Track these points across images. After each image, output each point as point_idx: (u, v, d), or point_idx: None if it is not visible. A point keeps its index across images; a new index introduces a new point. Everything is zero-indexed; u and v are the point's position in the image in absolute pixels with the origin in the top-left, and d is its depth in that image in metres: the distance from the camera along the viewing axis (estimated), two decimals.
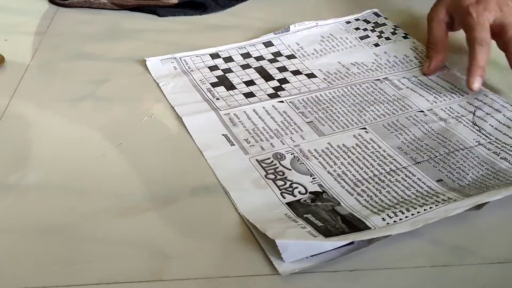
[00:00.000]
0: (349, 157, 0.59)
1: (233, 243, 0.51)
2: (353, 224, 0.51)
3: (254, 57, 0.77)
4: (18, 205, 0.55)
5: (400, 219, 0.51)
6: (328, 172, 0.57)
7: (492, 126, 0.63)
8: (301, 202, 0.54)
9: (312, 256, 0.48)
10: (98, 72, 0.76)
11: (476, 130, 0.62)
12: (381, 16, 0.86)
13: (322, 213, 0.52)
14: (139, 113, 0.68)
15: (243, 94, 0.70)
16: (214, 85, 0.72)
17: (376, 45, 0.80)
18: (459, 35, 0.74)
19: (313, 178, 0.57)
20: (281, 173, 0.57)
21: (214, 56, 0.77)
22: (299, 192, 0.55)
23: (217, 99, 0.69)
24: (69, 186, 0.57)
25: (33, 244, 0.51)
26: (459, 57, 0.74)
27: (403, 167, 0.58)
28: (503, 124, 0.63)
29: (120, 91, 0.72)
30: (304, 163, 0.58)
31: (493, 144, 0.60)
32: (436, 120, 0.64)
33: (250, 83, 0.72)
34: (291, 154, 0.60)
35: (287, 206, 0.53)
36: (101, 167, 0.60)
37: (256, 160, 0.59)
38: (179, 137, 0.64)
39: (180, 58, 0.77)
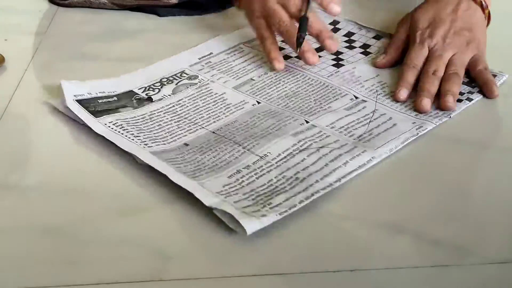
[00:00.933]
0: None
1: (233, 243, 0.51)
2: None
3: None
4: (18, 205, 0.55)
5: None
6: None
7: None
8: None
9: None
10: (98, 72, 0.76)
11: None
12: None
13: None
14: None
15: None
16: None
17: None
18: None
19: None
20: None
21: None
22: None
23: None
24: (69, 186, 0.57)
25: (33, 244, 0.51)
26: None
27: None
28: None
29: None
30: None
31: None
32: None
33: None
34: None
35: None
36: (101, 167, 0.60)
37: None
38: None
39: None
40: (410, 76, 0.72)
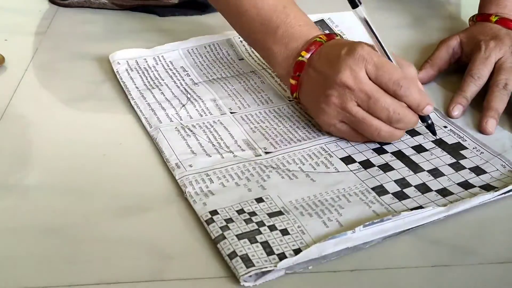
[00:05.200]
0: None
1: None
2: None
3: None
4: (18, 205, 0.55)
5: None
6: None
7: None
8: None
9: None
10: (98, 72, 0.76)
11: None
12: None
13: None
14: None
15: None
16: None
17: None
18: None
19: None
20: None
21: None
22: None
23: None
24: (69, 186, 0.57)
25: (33, 244, 0.51)
26: None
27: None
28: None
29: (120, 91, 0.72)
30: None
31: None
32: None
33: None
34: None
35: None
36: (101, 167, 0.60)
37: None
38: None
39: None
40: (472, 88, 0.67)
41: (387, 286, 0.48)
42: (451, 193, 0.55)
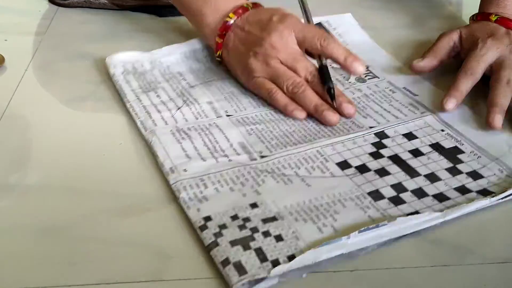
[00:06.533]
0: None
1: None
2: None
3: None
4: (18, 205, 0.55)
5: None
6: None
7: None
8: None
9: None
10: (98, 72, 0.76)
11: None
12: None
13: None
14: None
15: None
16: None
17: None
18: None
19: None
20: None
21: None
22: None
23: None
24: (69, 186, 0.57)
25: (33, 244, 0.51)
26: None
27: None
28: None
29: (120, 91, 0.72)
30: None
31: None
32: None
33: None
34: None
35: None
36: (101, 167, 0.60)
37: None
38: None
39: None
40: (464, 84, 0.67)
41: (387, 286, 0.48)
42: (448, 198, 0.55)
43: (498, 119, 0.63)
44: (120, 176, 0.58)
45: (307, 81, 0.67)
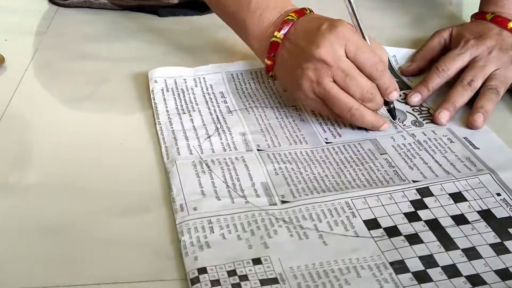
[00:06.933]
0: None
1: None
2: None
3: None
4: (18, 205, 0.55)
5: None
6: None
7: None
8: None
9: None
10: (98, 72, 0.76)
11: None
12: None
13: None
14: (139, 113, 0.68)
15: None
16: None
17: None
18: None
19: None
20: None
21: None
22: None
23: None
24: (69, 186, 0.57)
25: (33, 244, 0.51)
26: None
27: None
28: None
29: (120, 91, 0.72)
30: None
31: None
32: None
33: None
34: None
35: None
36: (101, 167, 0.60)
37: None
38: None
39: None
40: (434, 80, 0.68)
41: None
42: (484, 283, 0.46)
43: (444, 114, 0.64)
44: (120, 176, 0.58)
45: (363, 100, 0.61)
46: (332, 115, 0.63)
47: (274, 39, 0.64)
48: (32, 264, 0.49)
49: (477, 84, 0.66)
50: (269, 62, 0.65)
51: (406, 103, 0.68)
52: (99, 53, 0.80)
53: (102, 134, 0.64)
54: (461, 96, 0.66)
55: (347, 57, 0.60)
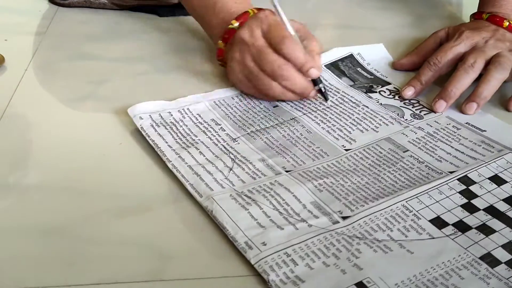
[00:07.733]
0: None
1: (234, 243, 0.51)
2: None
3: None
4: (18, 205, 0.55)
5: None
6: None
7: None
8: None
9: None
10: (98, 72, 0.76)
11: None
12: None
13: None
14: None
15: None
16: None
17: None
18: None
19: None
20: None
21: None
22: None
23: None
24: (69, 186, 0.57)
25: (33, 244, 0.51)
26: None
27: None
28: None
29: (120, 91, 0.72)
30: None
31: None
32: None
33: None
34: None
35: None
36: (101, 167, 0.60)
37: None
38: None
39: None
40: (426, 73, 0.69)
41: None
42: None
43: (439, 104, 0.66)
44: (120, 176, 0.58)
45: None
46: (260, 96, 0.68)
47: (230, 26, 0.69)
48: (32, 264, 0.49)
49: (480, 65, 0.67)
50: (221, 45, 0.70)
51: (396, 98, 0.69)
52: (99, 53, 0.80)
53: (102, 134, 0.64)
54: (463, 79, 0.66)
55: (264, 37, 0.65)
